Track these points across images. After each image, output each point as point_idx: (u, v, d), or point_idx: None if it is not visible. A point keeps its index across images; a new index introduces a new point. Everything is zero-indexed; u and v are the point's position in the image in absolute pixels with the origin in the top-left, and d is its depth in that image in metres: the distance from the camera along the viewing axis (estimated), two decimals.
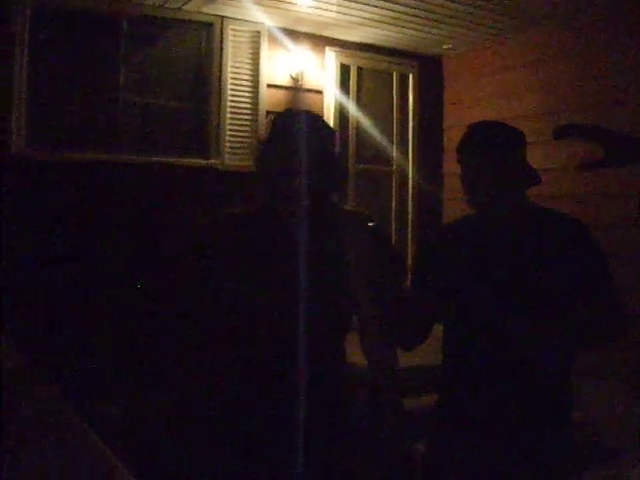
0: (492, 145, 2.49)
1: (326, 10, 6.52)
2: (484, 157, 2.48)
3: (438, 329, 2.65)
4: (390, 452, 2.68)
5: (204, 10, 6.55)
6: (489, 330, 2.40)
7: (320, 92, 7.41)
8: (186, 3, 6.34)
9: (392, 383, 2.62)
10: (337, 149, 2.66)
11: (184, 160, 6.59)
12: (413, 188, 8.02)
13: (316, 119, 2.56)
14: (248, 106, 6.90)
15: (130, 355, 5.69)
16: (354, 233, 2.53)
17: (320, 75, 7.41)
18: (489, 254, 2.52)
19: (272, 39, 7.02)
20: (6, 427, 2.05)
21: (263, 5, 6.37)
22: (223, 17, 6.73)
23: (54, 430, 2.25)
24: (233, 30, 6.80)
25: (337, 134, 2.70)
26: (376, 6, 6.36)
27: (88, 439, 2.15)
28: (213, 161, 6.68)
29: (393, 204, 7.97)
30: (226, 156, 6.70)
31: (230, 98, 6.81)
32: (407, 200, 8.02)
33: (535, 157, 6.46)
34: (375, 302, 2.53)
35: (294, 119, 2.56)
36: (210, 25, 6.76)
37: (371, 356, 2.63)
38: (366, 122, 7.76)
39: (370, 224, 2.58)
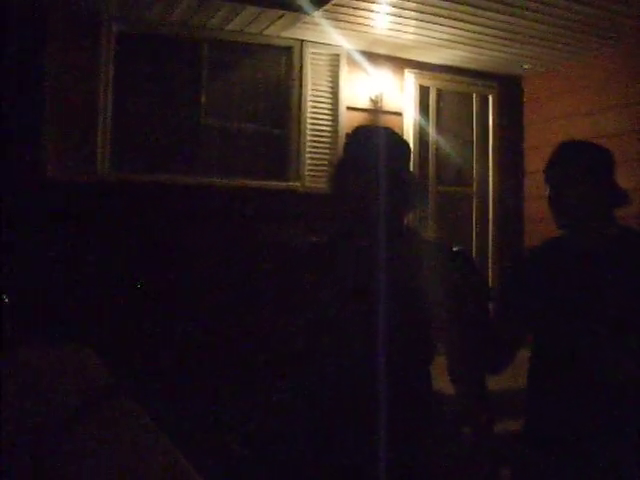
0: (580, 163, 2.43)
1: (404, 32, 6.53)
2: (572, 176, 2.42)
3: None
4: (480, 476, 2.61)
5: (283, 34, 6.63)
6: (578, 355, 2.32)
7: (399, 114, 7.39)
8: (266, 28, 6.42)
9: (483, 406, 2.56)
10: (411, 167, 2.60)
11: (264, 183, 6.64)
12: (494, 210, 7.92)
13: (390, 134, 2.52)
14: (328, 129, 6.93)
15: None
16: (436, 258, 2.47)
17: (399, 97, 7.40)
18: (579, 278, 2.43)
19: (351, 62, 7.05)
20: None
21: (341, 28, 6.41)
22: (302, 41, 6.80)
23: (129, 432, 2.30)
24: (312, 53, 6.86)
25: (411, 150, 2.64)
26: (454, 27, 6.34)
27: (160, 441, 2.19)
28: (293, 184, 6.72)
29: (473, 226, 7.88)
30: (306, 178, 6.73)
31: (310, 121, 6.85)
32: (488, 222, 7.91)
33: (618, 177, 6.28)
34: (462, 325, 2.49)
35: (367, 134, 2.52)
36: (289, 49, 6.83)
37: (460, 379, 2.57)
38: (446, 144, 7.71)
39: (455, 249, 2.53)
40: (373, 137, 2.46)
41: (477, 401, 2.54)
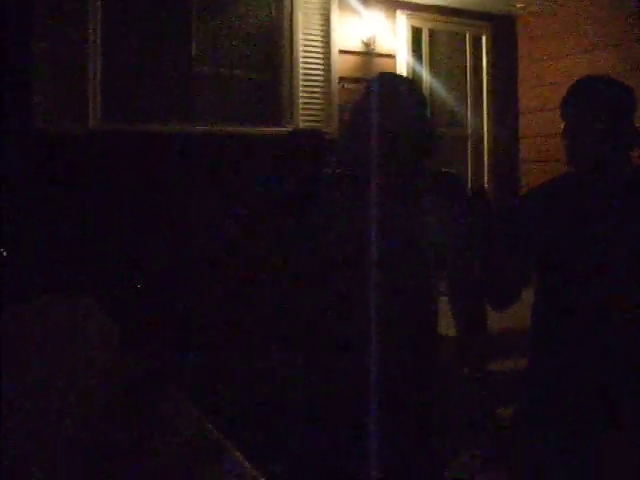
0: (599, 100, 2.36)
1: None
2: (590, 112, 2.35)
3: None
4: (476, 416, 2.63)
5: None
6: (592, 294, 2.27)
7: (392, 56, 7.32)
8: None
9: (480, 345, 2.57)
10: (430, 115, 2.63)
11: (257, 129, 6.59)
12: (489, 151, 7.90)
13: (412, 83, 2.55)
14: (320, 72, 6.86)
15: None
16: (442, 194, 2.48)
17: (392, 39, 7.32)
18: (593, 218, 2.33)
19: (342, 4, 6.95)
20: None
21: None
22: None
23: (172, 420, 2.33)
24: None
25: (422, 93, 2.65)
26: None
27: (202, 426, 2.21)
28: (287, 128, 6.66)
29: (469, 168, 7.86)
30: (300, 123, 6.68)
31: (302, 65, 6.78)
32: (483, 163, 7.89)
33: None
34: (464, 259, 2.50)
35: (391, 82, 2.54)
36: None
37: (458, 314, 2.58)
38: (439, 85, 7.66)
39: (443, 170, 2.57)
40: (397, 84, 2.52)
41: (472, 334, 2.56)
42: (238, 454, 1.92)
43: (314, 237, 2.55)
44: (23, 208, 5.30)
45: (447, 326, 2.67)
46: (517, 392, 2.56)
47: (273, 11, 6.82)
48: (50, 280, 5.02)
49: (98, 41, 5.92)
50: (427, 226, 2.43)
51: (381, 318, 2.35)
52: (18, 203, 5.27)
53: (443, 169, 2.67)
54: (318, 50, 6.87)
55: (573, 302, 2.33)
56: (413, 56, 7.48)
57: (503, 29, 8.03)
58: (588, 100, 2.37)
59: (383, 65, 7.12)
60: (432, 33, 7.73)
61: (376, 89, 2.48)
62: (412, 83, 2.58)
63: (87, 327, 3.08)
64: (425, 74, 7.56)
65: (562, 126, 2.42)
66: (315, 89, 6.84)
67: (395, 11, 7.34)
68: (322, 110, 6.67)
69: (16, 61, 5.53)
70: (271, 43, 6.83)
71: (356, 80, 6.83)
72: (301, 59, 6.78)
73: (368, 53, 7.13)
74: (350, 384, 2.43)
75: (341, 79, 6.82)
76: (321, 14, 6.87)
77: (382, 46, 7.23)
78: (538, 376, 2.46)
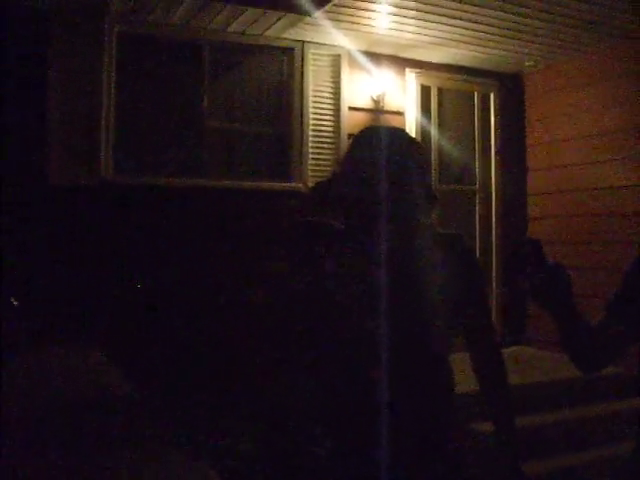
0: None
1: (404, 31, 6.54)
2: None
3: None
4: None
5: (284, 35, 6.64)
6: None
7: (401, 114, 7.40)
8: (267, 29, 6.43)
9: (509, 412, 2.51)
10: (422, 163, 2.53)
11: (267, 184, 6.65)
12: (497, 207, 7.93)
13: (395, 132, 2.49)
14: (330, 129, 6.94)
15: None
16: (448, 255, 2.43)
17: (401, 96, 7.41)
18: None
19: (352, 62, 7.07)
20: None
21: (342, 29, 6.43)
22: (303, 42, 6.82)
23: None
24: (313, 54, 6.88)
25: (422, 147, 2.59)
26: (454, 25, 6.35)
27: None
28: (296, 184, 6.73)
29: (477, 224, 7.89)
30: (309, 179, 6.73)
31: (312, 122, 6.86)
32: (491, 220, 7.92)
33: (621, 173, 6.30)
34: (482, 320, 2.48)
35: (373, 133, 2.47)
36: (291, 50, 6.84)
37: (492, 418, 2.53)
38: (448, 142, 7.73)
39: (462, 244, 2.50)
40: (378, 138, 2.41)
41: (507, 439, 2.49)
42: None
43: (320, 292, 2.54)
44: (34, 260, 5.36)
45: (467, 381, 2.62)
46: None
47: (284, 68, 6.93)
48: (61, 329, 5.06)
49: (112, 96, 6.03)
50: (437, 283, 2.39)
51: (391, 378, 2.32)
52: (29, 255, 5.33)
53: (451, 231, 2.61)
54: (328, 106, 6.96)
55: None
56: (422, 113, 7.55)
57: (511, 87, 8.11)
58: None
59: (392, 122, 7.18)
60: (441, 91, 7.82)
61: (357, 141, 2.46)
62: (396, 132, 2.50)
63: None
64: (434, 131, 7.63)
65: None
66: (325, 145, 6.91)
67: (404, 69, 7.44)
68: (331, 166, 6.71)
69: (32, 116, 5.64)
70: (282, 99, 6.92)
71: None
72: (311, 115, 6.87)
73: (377, 110, 7.21)
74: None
75: (350, 135, 6.87)
76: (331, 71, 6.98)
77: (391, 103, 7.32)
78: None
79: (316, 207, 3.28)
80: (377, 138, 2.41)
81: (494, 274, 7.78)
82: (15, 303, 4.68)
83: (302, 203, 6.30)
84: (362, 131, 2.52)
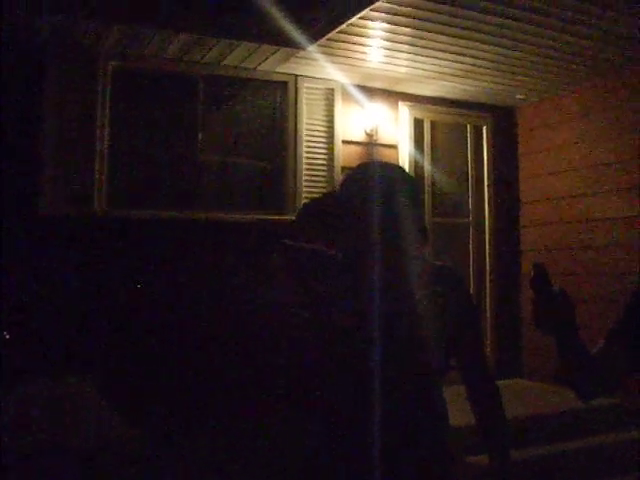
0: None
1: (397, 65, 6.60)
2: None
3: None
4: None
5: (278, 69, 6.69)
6: None
7: (394, 147, 7.44)
8: (261, 63, 6.48)
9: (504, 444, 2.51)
10: (414, 197, 2.55)
11: (261, 217, 6.65)
12: (490, 240, 7.94)
13: (387, 167, 2.51)
14: (323, 162, 6.97)
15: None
16: (442, 287, 2.45)
17: (394, 130, 7.45)
18: None
19: (346, 95, 7.12)
20: None
21: (335, 63, 6.48)
22: (297, 76, 6.87)
23: None
24: (307, 88, 6.93)
25: (416, 182, 2.61)
26: (446, 59, 6.41)
27: None
28: (290, 217, 6.73)
29: (471, 256, 7.89)
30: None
31: (306, 155, 6.89)
32: (485, 252, 7.93)
33: (613, 206, 6.32)
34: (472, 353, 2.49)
35: (366, 169, 2.51)
36: (284, 84, 6.89)
37: (478, 404, 2.54)
38: (441, 175, 7.76)
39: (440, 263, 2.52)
40: (371, 174, 2.44)
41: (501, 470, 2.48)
42: None
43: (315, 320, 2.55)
44: (25, 290, 5.34)
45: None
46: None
47: (278, 101, 6.97)
48: (52, 360, 5.04)
49: (106, 130, 6.05)
50: (432, 313, 2.40)
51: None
52: (20, 286, 5.31)
53: (440, 262, 2.63)
54: (322, 140, 7.00)
55: None
56: (415, 146, 7.59)
57: (503, 119, 8.17)
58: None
59: (385, 155, 7.23)
60: (434, 124, 7.86)
61: (350, 178, 2.49)
62: (389, 168, 2.52)
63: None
64: (427, 163, 7.66)
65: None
66: (318, 178, 6.93)
67: (397, 102, 7.50)
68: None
69: (27, 149, 5.65)
70: (276, 133, 6.95)
71: None
72: (305, 148, 6.90)
73: (371, 143, 7.25)
74: None
75: (344, 168, 6.90)
76: (325, 105, 7.03)
77: (384, 136, 7.36)
78: None
79: (302, 223, 3.29)
80: (369, 174, 2.44)
81: (488, 305, 7.77)
82: (7, 337, 4.66)
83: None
84: (355, 168, 2.55)
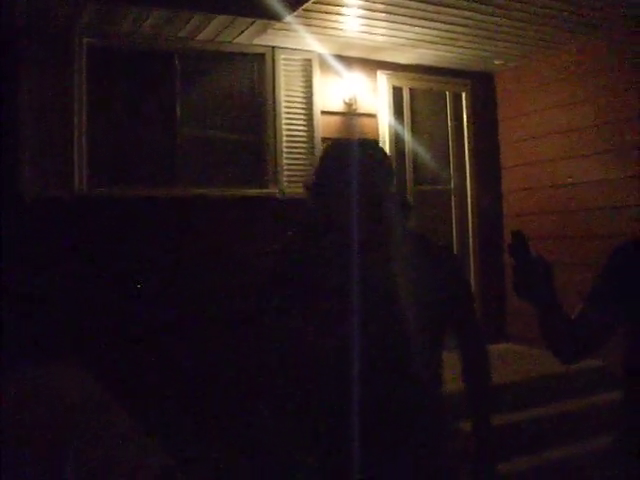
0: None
1: (374, 34, 6.56)
2: None
3: None
4: None
5: (255, 42, 6.64)
6: None
7: (374, 116, 7.42)
8: (237, 36, 6.43)
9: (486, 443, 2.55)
10: (391, 172, 2.57)
11: (242, 191, 6.64)
12: (472, 206, 7.96)
13: (366, 146, 2.52)
14: (303, 134, 6.94)
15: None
16: (435, 262, 2.48)
17: (373, 99, 7.43)
18: None
19: (324, 66, 7.08)
20: None
21: (312, 33, 6.43)
22: (274, 47, 6.82)
23: None
24: (284, 59, 6.88)
25: (390, 159, 2.62)
26: (423, 26, 6.37)
27: None
28: (272, 190, 6.72)
29: (453, 224, 7.92)
30: (284, 184, 6.73)
31: (285, 127, 6.86)
32: (467, 219, 7.95)
33: (592, 169, 6.35)
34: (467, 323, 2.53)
35: (344, 149, 2.53)
36: (262, 56, 6.84)
37: (469, 367, 2.58)
38: (421, 143, 7.75)
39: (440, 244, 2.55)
40: (347, 153, 2.47)
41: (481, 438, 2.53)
42: None
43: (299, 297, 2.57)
44: (7, 274, 5.31)
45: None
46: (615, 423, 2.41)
47: (256, 74, 6.92)
48: (39, 346, 5.02)
49: (84, 108, 5.99)
50: (425, 289, 2.41)
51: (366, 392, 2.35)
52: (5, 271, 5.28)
53: (416, 232, 2.65)
54: (301, 111, 6.96)
55: None
56: (395, 115, 7.57)
57: (482, 86, 8.15)
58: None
59: (365, 125, 7.22)
60: (413, 92, 7.83)
61: (329, 157, 2.53)
62: (366, 145, 2.53)
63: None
64: (407, 132, 7.65)
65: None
66: (299, 150, 6.91)
67: (376, 71, 7.47)
68: (306, 171, 6.70)
69: (3, 131, 5.60)
70: (254, 106, 6.91)
71: None
72: (284, 121, 6.86)
73: (350, 113, 7.23)
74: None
75: (324, 139, 6.88)
76: (303, 76, 6.98)
77: (364, 106, 7.33)
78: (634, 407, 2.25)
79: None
80: (346, 152, 2.46)
81: (472, 271, 7.82)
82: None
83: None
84: (331, 145, 2.57)
